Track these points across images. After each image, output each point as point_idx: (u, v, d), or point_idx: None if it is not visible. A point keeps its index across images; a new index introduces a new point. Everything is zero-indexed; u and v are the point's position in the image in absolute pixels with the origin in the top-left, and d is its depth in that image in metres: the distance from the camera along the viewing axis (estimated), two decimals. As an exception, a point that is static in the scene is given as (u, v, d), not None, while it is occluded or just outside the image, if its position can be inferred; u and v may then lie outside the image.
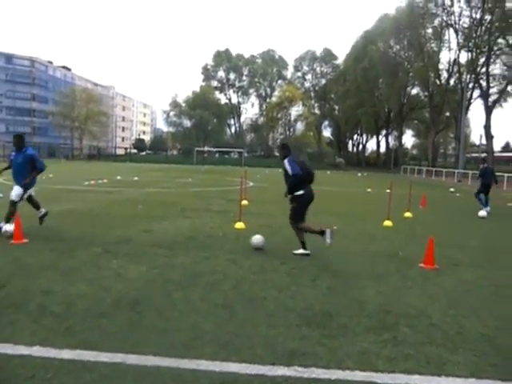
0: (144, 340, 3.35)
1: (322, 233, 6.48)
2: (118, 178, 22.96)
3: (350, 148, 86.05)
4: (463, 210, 14.71)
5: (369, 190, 21.48)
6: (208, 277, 5.09)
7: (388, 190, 20.68)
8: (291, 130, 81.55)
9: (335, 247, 7.07)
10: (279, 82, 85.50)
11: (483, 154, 52.98)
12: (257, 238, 6.73)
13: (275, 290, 4.74)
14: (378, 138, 73.31)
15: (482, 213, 12.56)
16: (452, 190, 24.19)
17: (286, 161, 6.46)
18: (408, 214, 11.56)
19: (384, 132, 70.93)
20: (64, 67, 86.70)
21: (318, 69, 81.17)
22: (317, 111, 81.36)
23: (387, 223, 9.84)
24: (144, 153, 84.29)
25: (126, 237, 7.11)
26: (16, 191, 7.19)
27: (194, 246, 6.72)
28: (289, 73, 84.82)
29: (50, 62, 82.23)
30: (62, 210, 9.92)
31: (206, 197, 14.29)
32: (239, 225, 8.48)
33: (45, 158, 56.58)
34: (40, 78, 76.50)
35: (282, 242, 7.33)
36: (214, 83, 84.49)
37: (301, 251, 6.51)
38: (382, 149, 74.47)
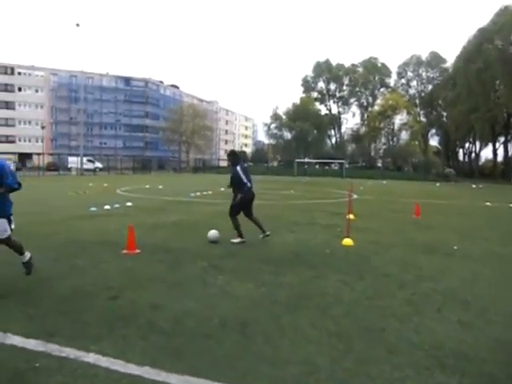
0: (252, 370, 3.06)
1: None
2: (222, 189, 23.59)
3: (460, 157, 79.45)
4: None
5: (487, 203, 19.30)
6: (317, 299, 4.70)
7: (511, 205, 18.55)
8: (394, 139, 77.93)
9: (459, 271, 6.23)
10: (381, 90, 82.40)
11: None
12: (213, 233, 7.70)
13: (395, 319, 4.18)
14: (494, 145, 66.49)
15: None
16: None
17: (238, 168, 8.11)
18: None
19: (502, 139, 64.16)
20: (173, 86, 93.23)
21: (423, 74, 76.57)
22: (423, 119, 76.69)
23: (519, 244, 8.55)
24: (246, 165, 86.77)
25: (230, 251, 7.02)
26: None
27: (301, 263, 6.37)
28: (392, 80, 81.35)
29: (161, 82, 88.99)
30: (169, 221, 10.29)
31: (310, 210, 13.91)
32: (347, 241, 7.95)
33: (155, 171, 61.08)
34: (152, 97, 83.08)
35: (394, 262, 6.65)
36: (314, 94, 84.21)
37: (237, 240, 7.83)
38: (499, 157, 67.41)
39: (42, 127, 59.28)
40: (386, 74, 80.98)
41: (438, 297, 4.97)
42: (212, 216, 11.62)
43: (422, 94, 76.16)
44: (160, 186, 24.64)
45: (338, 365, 3.19)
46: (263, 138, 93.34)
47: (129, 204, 13.87)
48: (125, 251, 6.70)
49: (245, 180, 7.99)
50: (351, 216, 11.82)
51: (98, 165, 56.21)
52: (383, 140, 78.06)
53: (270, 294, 4.80)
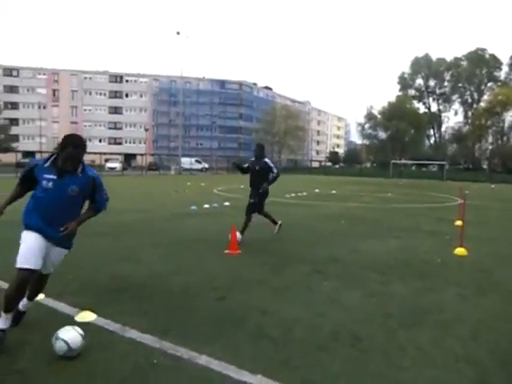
0: (373, 391, 2.81)
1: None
2: (316, 190, 23.33)
3: None
4: None
5: None
6: (435, 315, 4.27)
7: None
8: (504, 138, 71.09)
9: None
10: (489, 84, 75.72)
11: None
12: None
13: (533, 347, 3.62)
14: None
15: None
16: None
17: (267, 160, 7.98)
18: None
19: None
20: (266, 87, 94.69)
21: (544, 62, 68.72)
22: (539, 115, 68.90)
23: None
24: (337, 166, 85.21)
25: (333, 256, 6.76)
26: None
27: (410, 272, 5.91)
28: (502, 73, 74.35)
29: (255, 84, 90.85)
30: (268, 223, 10.26)
31: (411, 214, 13.07)
32: (460, 251, 7.25)
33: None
34: (246, 99, 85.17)
35: (522, 278, 5.88)
36: (412, 92, 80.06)
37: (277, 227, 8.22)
38: None
39: (146, 129, 63.80)
40: (496, 67, 74.18)
41: None
42: (312, 218, 11.44)
43: (541, 87, 68.39)
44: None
45: (473, 396, 2.81)
46: (356, 138, 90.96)
47: (226, 204, 14.21)
48: (227, 251, 6.78)
49: (275, 169, 8.00)
50: (459, 222, 10.88)
51: (205, 165, 59.29)
52: (490, 139, 71.67)
53: (382, 306, 4.47)
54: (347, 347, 3.46)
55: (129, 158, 64.66)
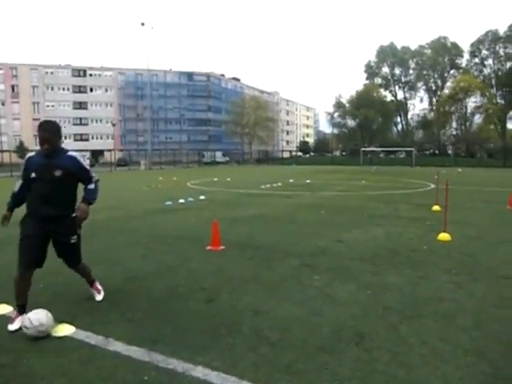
0: (387, 396, 2.60)
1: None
2: (291, 180, 23.19)
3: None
4: None
5: None
6: (435, 305, 4.12)
7: None
8: (467, 124, 73.11)
9: None
10: (452, 71, 77.51)
11: None
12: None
13: (539, 334, 3.51)
14: None
15: None
16: None
17: (75, 155, 3.91)
18: None
19: None
20: (234, 78, 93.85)
21: (500, 51, 70.67)
22: (500, 100, 71.06)
23: None
24: (308, 155, 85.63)
25: (320, 247, 6.56)
26: None
27: (400, 261, 5.78)
28: (464, 60, 76.11)
29: (223, 75, 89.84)
30: (248, 215, 10.01)
31: (389, 201, 13.07)
32: (444, 236, 7.19)
33: (212, 164, 61.93)
34: (215, 91, 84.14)
35: (509, 262, 5.84)
36: (378, 80, 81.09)
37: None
38: None
39: (113, 125, 62.05)
40: (457, 54, 75.91)
41: None
42: (291, 209, 11.22)
43: (499, 73, 70.45)
44: (228, 179, 24.67)
45: (490, 393, 2.65)
46: (325, 127, 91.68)
47: (202, 197, 13.84)
48: (209, 247, 6.47)
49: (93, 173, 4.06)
50: (436, 207, 10.93)
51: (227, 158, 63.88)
52: (454, 125, 73.63)
53: (379, 298, 4.29)
54: (352, 346, 3.25)
55: (96, 154, 62.85)
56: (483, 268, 5.48)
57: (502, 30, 69.37)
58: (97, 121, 77.71)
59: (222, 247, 6.48)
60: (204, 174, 31.07)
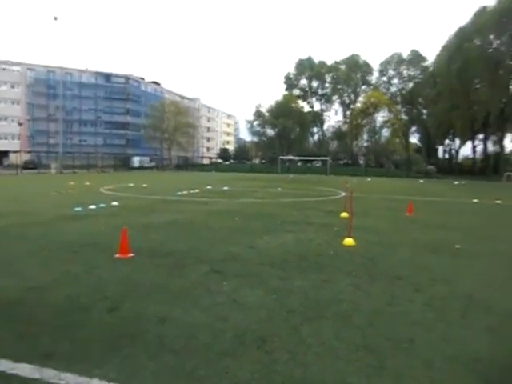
0: (283, 394, 2.71)
1: None
2: (209, 187, 23.16)
3: (439, 154, 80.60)
4: None
5: (475, 200, 19.36)
6: (335, 306, 4.37)
7: (498, 201, 18.62)
8: (376, 136, 78.44)
9: (470, 272, 6.01)
10: (363, 87, 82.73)
11: None
12: None
13: (421, 328, 3.88)
14: (473, 142, 67.62)
15: None
16: None
17: None
18: (540, 230, 9.86)
19: (481, 136, 65.26)
20: (154, 82, 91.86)
21: (404, 72, 77.07)
22: (404, 116, 77.34)
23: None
24: (228, 162, 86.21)
25: (231, 253, 6.64)
26: None
27: (307, 265, 6.04)
28: (373, 78, 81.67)
29: (142, 78, 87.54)
30: (162, 222, 9.83)
31: (302, 208, 13.60)
32: (349, 241, 7.66)
33: (136, 169, 60.02)
34: (133, 94, 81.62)
35: (402, 263, 6.38)
36: (297, 92, 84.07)
37: None
38: (478, 154, 68.60)
39: (19, 124, 57.54)
40: (368, 72, 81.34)
41: (457, 301, 4.70)
42: (206, 216, 11.19)
43: (403, 92, 76.79)
44: (144, 185, 24.01)
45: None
46: (245, 135, 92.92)
47: (115, 203, 13.32)
48: (118, 255, 6.25)
49: None
50: (344, 214, 11.60)
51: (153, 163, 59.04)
52: (365, 137, 78.46)
53: (284, 302, 4.45)
54: (253, 350, 3.34)
55: (0, 155, 57.75)
56: (381, 270, 5.92)
57: (405, 54, 75.89)
58: (1, 119, 71.50)
59: (132, 254, 6.30)
60: (120, 180, 29.95)
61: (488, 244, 8.35)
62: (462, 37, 56.35)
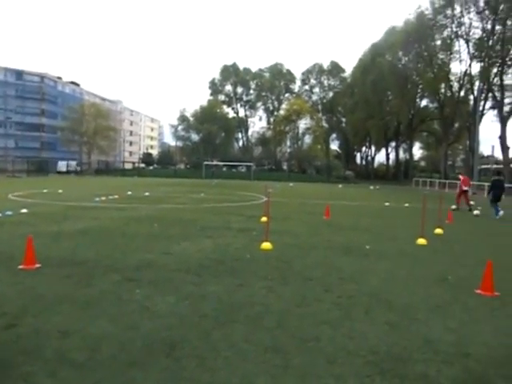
0: (188, 401, 2.70)
1: None
2: (129, 193, 22.41)
3: (357, 161, 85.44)
4: (495, 226, 13.96)
5: (387, 203, 20.77)
6: (247, 310, 4.44)
7: (407, 204, 20.13)
8: (299, 143, 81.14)
9: (376, 271, 6.43)
10: (287, 95, 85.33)
11: (495, 166, 52.09)
12: None
13: (328, 326, 4.08)
14: (387, 150, 72.67)
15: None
16: (472, 203, 23.27)
17: None
18: (439, 231, 10.79)
19: (393, 144, 70.28)
20: (73, 83, 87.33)
21: (325, 82, 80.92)
22: (324, 124, 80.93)
23: (421, 241, 9.12)
24: (152, 167, 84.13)
25: (146, 260, 6.48)
26: None
27: (223, 270, 6.08)
28: (296, 86, 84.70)
29: (59, 78, 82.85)
30: (75, 230, 9.34)
31: (223, 213, 13.66)
32: (266, 245, 7.83)
33: (52, 173, 56.43)
34: (49, 94, 76.97)
35: (315, 265, 6.66)
36: (222, 97, 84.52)
37: None
38: (391, 161, 73.84)
39: None
40: (291, 80, 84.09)
41: (363, 298, 5.01)
42: (123, 222, 10.81)
43: (324, 101, 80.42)
44: (60, 191, 22.63)
45: (280, 383, 2.96)
46: (170, 139, 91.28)
47: (24, 211, 12.40)
48: (22, 266, 5.83)
49: None
50: (264, 218, 11.84)
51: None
52: (288, 143, 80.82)
53: (196, 308, 4.43)
54: (162, 358, 3.28)
55: None
56: (294, 272, 6.13)
57: (326, 64, 79.62)
58: None
59: (38, 265, 5.91)
60: (33, 185, 27.96)
61: (394, 244, 9.00)
62: (376, 52, 60.47)
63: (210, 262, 6.53)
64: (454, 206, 17.99)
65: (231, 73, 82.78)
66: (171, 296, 4.78)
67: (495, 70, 41.60)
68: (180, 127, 76.79)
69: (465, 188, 18.69)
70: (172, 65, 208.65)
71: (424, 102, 61.12)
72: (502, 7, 38.93)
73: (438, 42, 49.10)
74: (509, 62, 40.66)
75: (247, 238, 9.02)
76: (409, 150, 66.99)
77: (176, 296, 4.79)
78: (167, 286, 5.16)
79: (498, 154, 49.50)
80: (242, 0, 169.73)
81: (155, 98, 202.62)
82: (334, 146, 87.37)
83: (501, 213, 15.30)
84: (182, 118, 76.60)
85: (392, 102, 61.20)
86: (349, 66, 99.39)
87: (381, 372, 3.18)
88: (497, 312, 4.75)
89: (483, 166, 58.83)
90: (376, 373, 3.16)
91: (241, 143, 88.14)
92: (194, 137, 76.91)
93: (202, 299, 4.72)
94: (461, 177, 19.95)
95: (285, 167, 77.87)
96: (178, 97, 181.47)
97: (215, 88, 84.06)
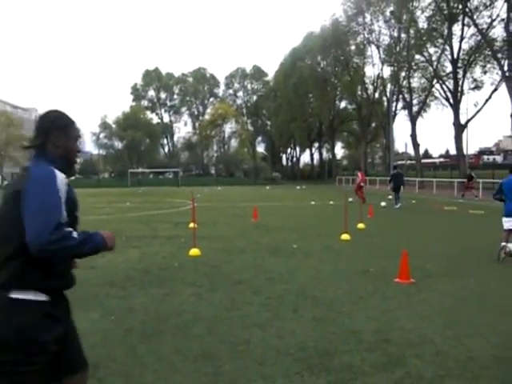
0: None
1: None
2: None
3: (284, 162, 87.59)
4: (410, 217, 14.98)
5: (312, 202, 21.50)
6: (175, 319, 4.35)
7: (331, 202, 20.99)
8: (226, 146, 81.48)
9: (303, 269, 6.62)
10: (211, 99, 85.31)
11: (409, 162, 56.15)
12: None
13: (257, 328, 4.11)
14: (311, 150, 75.27)
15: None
16: (390, 197, 24.78)
17: None
18: (361, 226, 11.37)
19: (317, 145, 72.97)
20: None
21: (248, 86, 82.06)
22: (250, 127, 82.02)
23: (345, 236, 9.53)
24: (73, 178, 79.79)
25: (67, 277, 6.11)
26: None
27: (150, 280, 5.91)
28: (220, 90, 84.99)
29: (-39, 85, 75.90)
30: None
31: (150, 221, 13.30)
32: (194, 251, 7.73)
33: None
34: (-51, 102, 70.17)
35: (244, 268, 6.70)
36: (145, 103, 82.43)
37: None
38: (315, 161, 76.63)
39: None
40: (215, 85, 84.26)
41: (291, 297, 5.12)
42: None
43: (248, 104, 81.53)
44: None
45: (210, 391, 2.94)
46: (91, 148, 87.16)
47: None
48: None
49: None
50: (194, 225, 11.71)
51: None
52: (215, 148, 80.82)
53: (122, 322, 4.26)
54: (83, 379, 3.10)
55: None
56: (223, 276, 6.12)
57: (248, 69, 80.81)
58: None
59: None
60: None
61: (320, 241, 9.33)
62: (296, 56, 62.47)
63: (136, 273, 6.32)
64: (351, 199, 19.11)
65: (154, 78, 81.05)
66: (95, 312, 4.55)
67: (403, 74, 44.75)
68: (102, 135, 73.59)
69: (361, 184, 21.44)
70: (90, 70, 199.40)
71: (343, 104, 64.16)
72: (404, 17, 42.08)
73: (353, 47, 52.00)
74: (414, 67, 43.92)
75: (175, 245, 8.86)
76: (331, 149, 69.84)
77: (100, 312, 4.57)
78: (91, 302, 4.91)
79: (411, 151, 53.25)
80: (163, 3, 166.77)
81: (74, 104, 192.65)
82: (261, 148, 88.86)
83: (398, 205, 18.05)
84: (104, 125, 73.43)
85: (313, 104, 63.53)
86: (271, 70, 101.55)
87: (309, 368, 3.26)
88: (413, 298, 5.10)
89: (399, 162, 63.01)
90: (304, 369, 3.24)
91: (167, 149, 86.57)
92: (118, 144, 74.09)
93: (128, 312, 4.55)
94: (359, 174, 22.44)
95: (213, 171, 77.78)
96: (99, 103, 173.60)
97: (137, 93, 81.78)
